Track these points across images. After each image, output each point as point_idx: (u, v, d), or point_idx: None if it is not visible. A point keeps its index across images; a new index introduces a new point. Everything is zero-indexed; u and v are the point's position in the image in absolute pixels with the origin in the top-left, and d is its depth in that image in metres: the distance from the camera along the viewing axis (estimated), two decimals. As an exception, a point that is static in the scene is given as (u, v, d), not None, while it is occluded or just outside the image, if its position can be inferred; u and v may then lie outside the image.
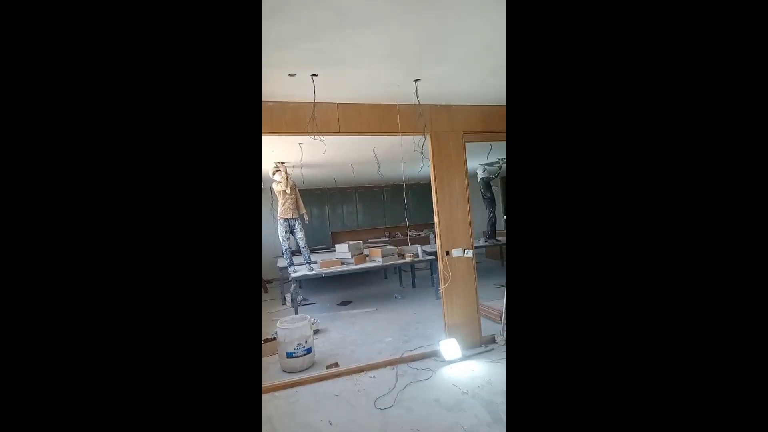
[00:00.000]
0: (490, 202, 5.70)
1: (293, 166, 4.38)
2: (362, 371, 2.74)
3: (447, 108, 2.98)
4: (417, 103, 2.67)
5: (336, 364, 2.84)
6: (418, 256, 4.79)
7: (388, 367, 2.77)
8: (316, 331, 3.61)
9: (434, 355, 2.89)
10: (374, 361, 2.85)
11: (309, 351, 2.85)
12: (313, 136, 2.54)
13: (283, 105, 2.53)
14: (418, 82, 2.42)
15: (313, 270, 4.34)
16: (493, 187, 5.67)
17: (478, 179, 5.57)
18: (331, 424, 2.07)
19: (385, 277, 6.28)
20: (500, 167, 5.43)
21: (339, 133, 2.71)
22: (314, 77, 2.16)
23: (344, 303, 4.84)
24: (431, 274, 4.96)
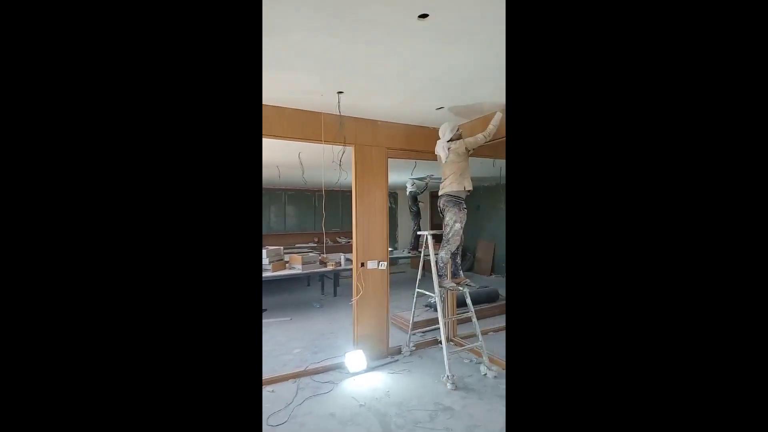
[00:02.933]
0: (416, 215, 5.92)
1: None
2: (263, 385, 2.61)
3: (372, 122, 3.03)
4: (339, 114, 2.67)
5: (234, 378, 2.67)
6: (340, 265, 4.77)
7: (291, 381, 2.69)
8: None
9: (339, 367, 2.87)
10: (277, 374, 2.74)
11: (205, 363, 2.64)
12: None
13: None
14: (341, 94, 2.43)
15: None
16: (419, 203, 5.89)
17: (407, 192, 5.76)
18: (214, 444, 1.93)
19: (308, 285, 6.14)
20: (426, 183, 5.68)
21: (257, 134, 2.60)
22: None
23: (259, 310, 4.61)
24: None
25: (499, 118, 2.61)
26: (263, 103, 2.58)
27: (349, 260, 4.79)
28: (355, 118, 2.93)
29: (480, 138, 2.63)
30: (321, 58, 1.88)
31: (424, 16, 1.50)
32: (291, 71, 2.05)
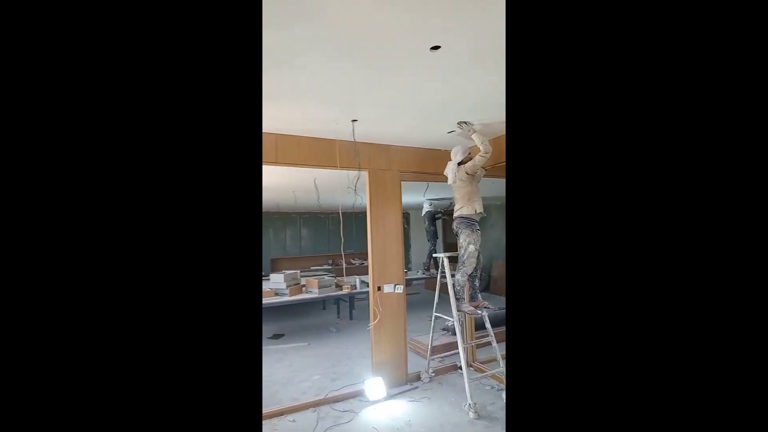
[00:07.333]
0: (433, 235, 5.89)
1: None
2: (282, 414, 2.57)
3: (385, 147, 3.09)
4: (353, 141, 2.74)
5: (253, 407, 2.64)
6: (356, 288, 4.75)
7: (311, 409, 2.64)
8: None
9: (359, 395, 2.82)
10: (296, 403, 2.70)
11: (224, 392, 2.62)
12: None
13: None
14: (355, 123, 2.50)
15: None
16: (437, 222, 5.86)
17: (423, 212, 5.76)
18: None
19: (324, 308, 6.11)
20: (451, 203, 5.67)
21: (276, 163, 2.68)
22: (247, 108, 2.14)
23: (276, 336, 4.60)
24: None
25: (478, 139, 2.55)
26: (280, 133, 2.67)
27: (364, 283, 4.77)
28: (369, 144, 2.99)
29: (478, 160, 2.59)
30: (336, 89, 1.96)
31: (436, 47, 1.56)
32: (308, 102, 2.13)
